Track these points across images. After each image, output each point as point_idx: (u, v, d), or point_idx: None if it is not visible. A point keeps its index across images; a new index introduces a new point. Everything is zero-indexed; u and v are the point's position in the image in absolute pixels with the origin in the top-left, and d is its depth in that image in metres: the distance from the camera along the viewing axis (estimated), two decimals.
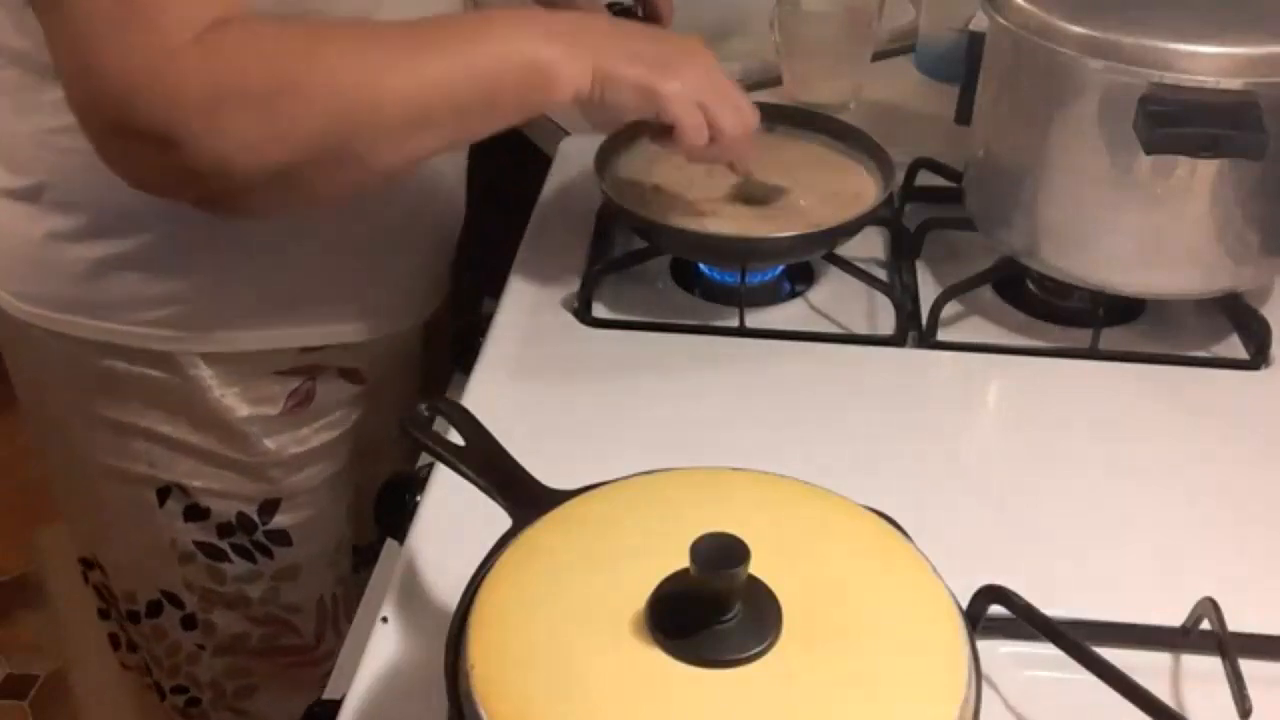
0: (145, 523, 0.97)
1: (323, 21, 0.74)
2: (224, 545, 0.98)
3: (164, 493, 0.95)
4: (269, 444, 0.95)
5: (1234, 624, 0.64)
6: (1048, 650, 0.62)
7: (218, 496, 0.96)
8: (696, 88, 0.80)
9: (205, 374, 0.90)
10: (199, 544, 0.97)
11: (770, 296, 0.96)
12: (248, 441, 0.94)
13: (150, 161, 0.68)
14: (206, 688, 1.07)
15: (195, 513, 0.96)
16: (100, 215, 0.84)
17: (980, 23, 1.01)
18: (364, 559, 1.11)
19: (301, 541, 1.01)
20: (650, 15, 1.07)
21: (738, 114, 0.83)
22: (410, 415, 0.65)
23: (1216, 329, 0.92)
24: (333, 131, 0.69)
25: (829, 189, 0.96)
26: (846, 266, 0.94)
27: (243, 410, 0.93)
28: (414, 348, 1.08)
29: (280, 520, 0.99)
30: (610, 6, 1.10)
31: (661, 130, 0.81)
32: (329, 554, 1.04)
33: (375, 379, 1.01)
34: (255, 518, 0.98)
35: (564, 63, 0.75)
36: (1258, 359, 0.89)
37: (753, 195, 0.95)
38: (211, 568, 0.99)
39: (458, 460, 0.62)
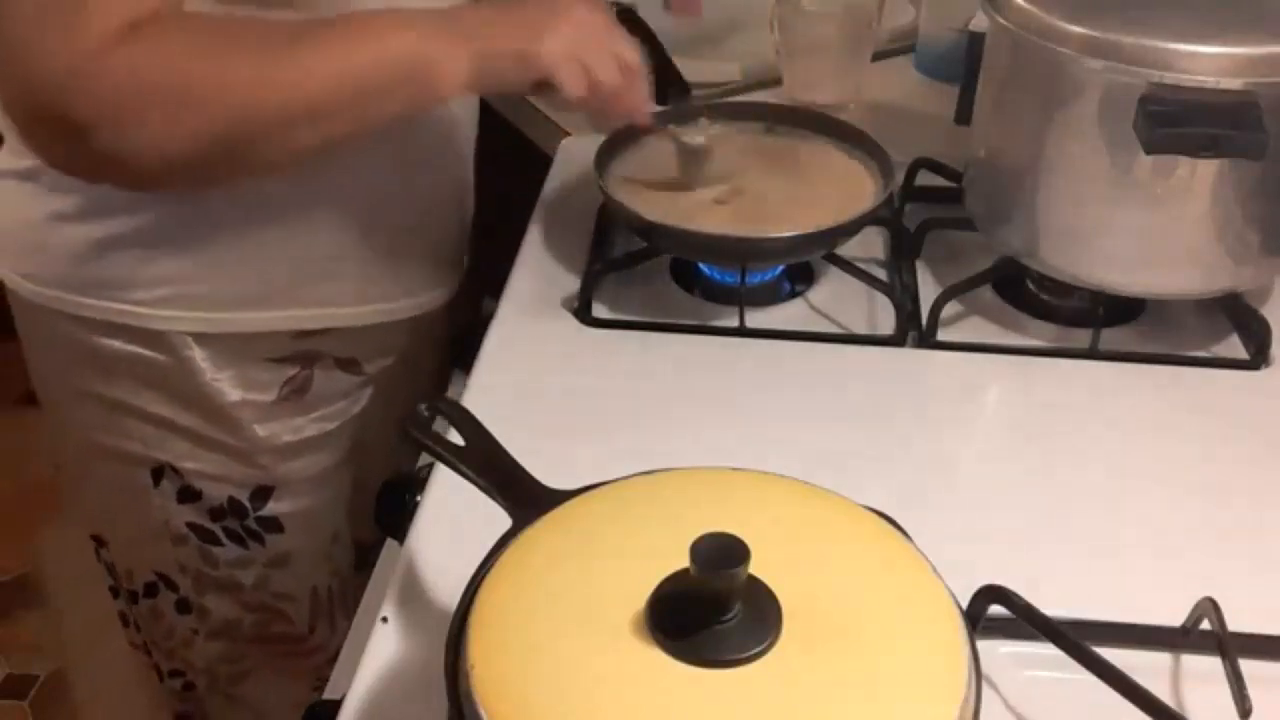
0: (140, 502, 0.98)
1: (233, 23, 0.78)
2: (216, 529, 0.99)
3: (158, 473, 0.96)
4: (260, 430, 0.95)
5: (1234, 624, 0.64)
6: (1048, 650, 0.62)
7: (209, 479, 0.97)
8: (572, 41, 0.82)
9: (198, 355, 0.91)
10: (191, 525, 0.98)
11: (770, 296, 0.96)
12: (239, 426, 0.94)
13: (70, 150, 0.76)
14: (201, 673, 1.07)
15: (188, 494, 0.97)
16: (98, 196, 0.85)
17: (980, 23, 1.01)
18: (366, 558, 1.11)
19: (294, 530, 1.01)
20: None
21: (618, 68, 0.84)
22: (410, 415, 0.65)
23: (1216, 329, 0.92)
24: (225, 129, 0.75)
25: (829, 189, 0.96)
26: (846, 266, 0.94)
27: (234, 394, 0.93)
28: (415, 343, 1.07)
29: (273, 508, 0.99)
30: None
31: (544, 85, 0.83)
32: (324, 546, 1.05)
33: (375, 372, 1.01)
34: (246, 503, 0.98)
35: (442, 57, 0.79)
36: (1258, 359, 0.89)
37: (688, 161, 0.96)
38: (204, 550, 0.99)
39: (458, 460, 0.62)
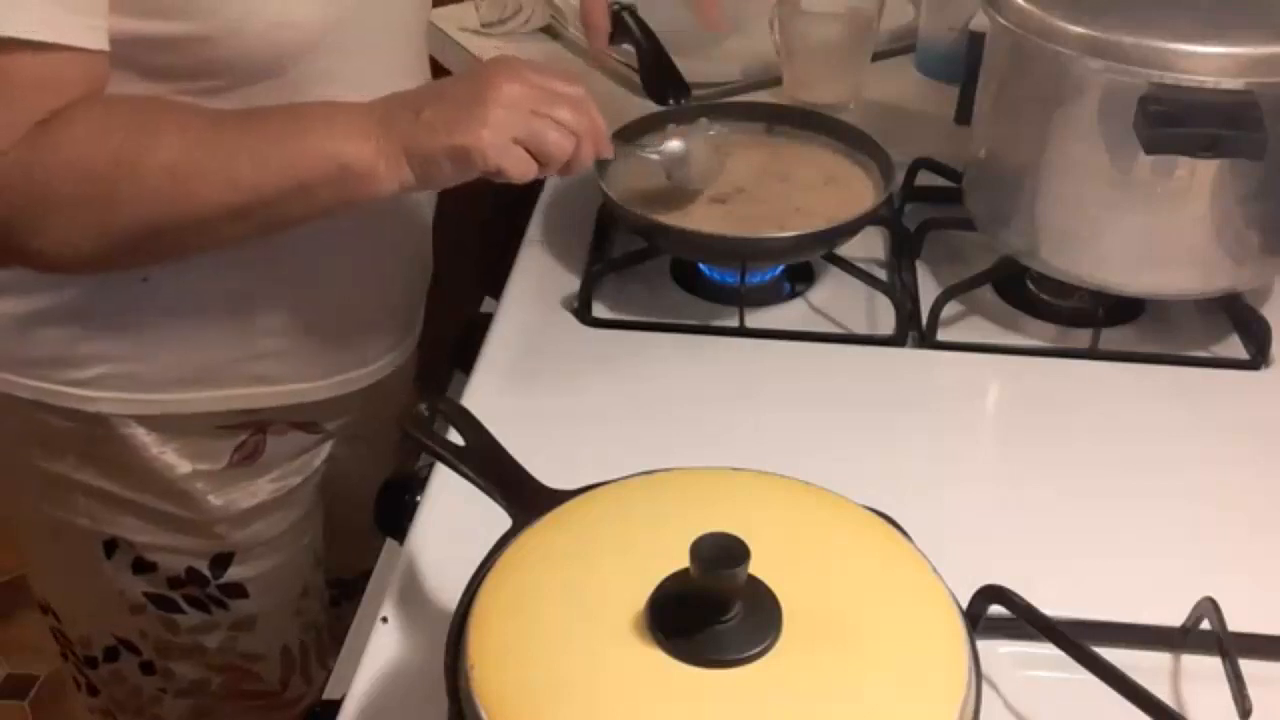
0: (93, 574, 0.94)
1: (149, 112, 0.73)
2: (175, 596, 0.95)
3: (110, 546, 0.92)
4: (215, 500, 0.92)
5: (1234, 624, 0.64)
6: (1048, 650, 0.62)
7: (164, 551, 0.93)
8: (506, 126, 0.74)
9: (139, 432, 0.88)
10: (149, 595, 0.94)
11: (770, 296, 0.96)
12: (190, 499, 0.91)
13: None
14: None
15: (142, 565, 0.93)
16: (23, 271, 0.81)
17: (980, 23, 1.01)
18: (350, 592, 1.08)
19: (259, 593, 0.97)
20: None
21: (563, 129, 0.76)
22: (410, 415, 0.65)
23: (1216, 329, 0.92)
24: (150, 227, 0.73)
25: (829, 189, 0.96)
26: (846, 266, 0.94)
27: (183, 467, 0.90)
28: (375, 400, 1.00)
29: (235, 573, 0.95)
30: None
31: (495, 174, 0.76)
32: (292, 602, 1.01)
33: (335, 428, 0.97)
34: (206, 572, 0.95)
35: (377, 160, 0.74)
36: (1258, 359, 0.89)
37: (669, 167, 0.94)
38: (164, 618, 0.96)
39: (458, 460, 0.62)
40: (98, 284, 0.82)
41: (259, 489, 0.94)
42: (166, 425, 0.88)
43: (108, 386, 0.86)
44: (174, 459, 0.89)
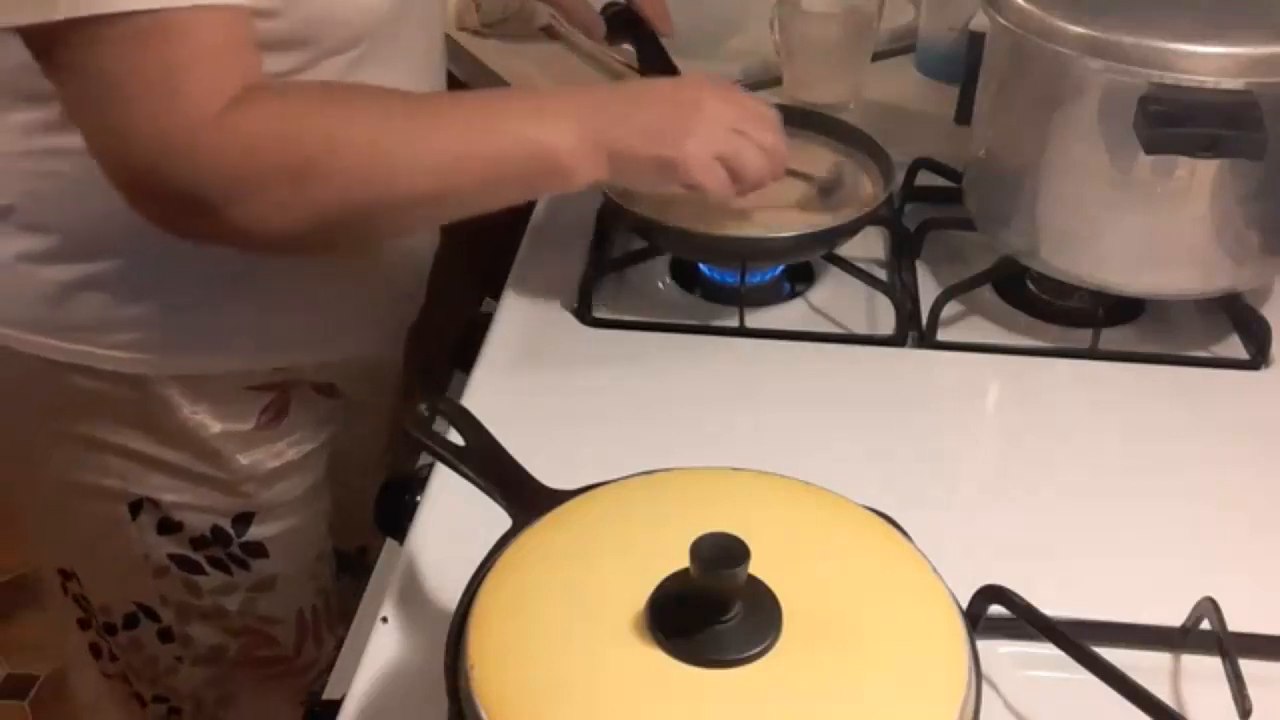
0: (118, 537, 0.96)
1: (343, 92, 0.75)
2: (198, 558, 0.97)
3: (136, 507, 0.94)
4: (242, 459, 0.94)
5: (1234, 624, 0.64)
6: (1048, 650, 0.63)
7: (191, 510, 0.95)
8: (711, 141, 0.78)
9: (174, 392, 0.90)
10: (173, 557, 0.97)
11: (770, 296, 0.96)
12: (220, 457, 0.93)
13: (181, 221, 0.73)
14: (187, 698, 1.06)
15: (168, 526, 0.95)
16: (69, 237, 0.83)
17: (980, 23, 1.01)
18: (346, 565, 1.10)
19: (278, 554, 1.00)
20: (644, 14, 1.07)
21: (760, 153, 0.80)
22: (410, 415, 0.65)
23: (1216, 329, 0.92)
24: (346, 208, 0.73)
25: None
26: (846, 266, 0.94)
27: (215, 427, 0.92)
28: (392, 363, 1.07)
29: (256, 533, 0.97)
30: (606, 6, 1.09)
31: (690, 188, 0.80)
32: (308, 565, 1.03)
33: (352, 393, 1.00)
34: (230, 530, 0.97)
35: (577, 154, 0.75)
36: (1258, 359, 0.89)
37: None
38: (187, 580, 0.98)
39: (458, 460, 0.62)
40: (137, 250, 0.84)
41: (282, 451, 0.96)
42: (199, 385, 0.90)
43: (145, 349, 0.88)
44: (206, 419, 0.91)
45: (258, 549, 0.98)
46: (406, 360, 1.09)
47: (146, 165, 0.69)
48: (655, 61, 1.07)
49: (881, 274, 0.97)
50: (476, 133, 0.75)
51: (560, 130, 0.75)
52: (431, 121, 0.75)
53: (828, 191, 0.95)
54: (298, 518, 1.00)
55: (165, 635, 1.01)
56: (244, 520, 0.97)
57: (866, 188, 0.97)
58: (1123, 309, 0.93)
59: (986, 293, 0.95)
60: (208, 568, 0.98)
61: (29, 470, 0.98)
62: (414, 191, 0.74)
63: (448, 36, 1.30)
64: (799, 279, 0.98)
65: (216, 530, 0.96)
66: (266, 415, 0.94)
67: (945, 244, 1.00)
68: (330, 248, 0.82)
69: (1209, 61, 0.78)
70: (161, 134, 0.68)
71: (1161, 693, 0.60)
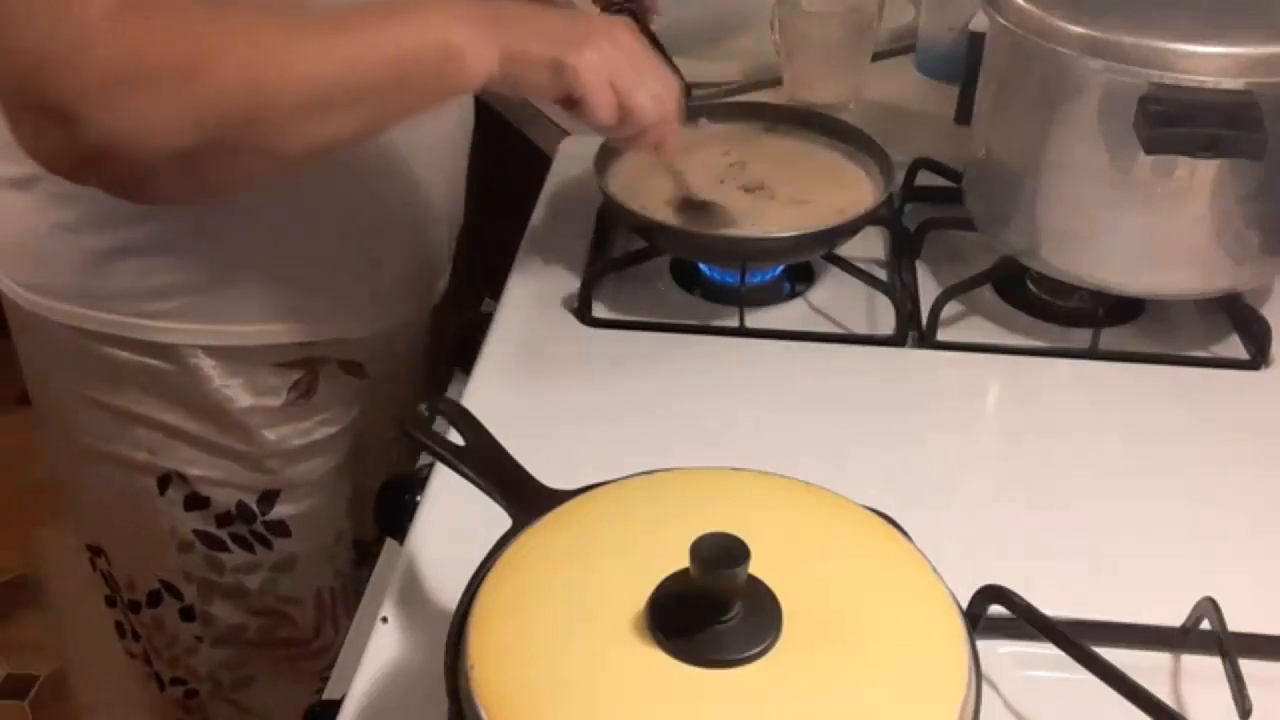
0: (145, 510, 0.97)
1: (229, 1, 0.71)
2: (223, 534, 0.98)
3: (164, 481, 0.96)
4: (269, 435, 0.95)
5: (1234, 624, 0.64)
6: (1048, 650, 0.62)
7: (217, 485, 0.96)
8: (610, 63, 0.77)
9: (206, 364, 0.91)
10: (198, 533, 0.98)
11: (770, 296, 0.96)
12: (248, 432, 0.94)
13: (54, 140, 0.68)
14: (204, 680, 1.07)
15: (195, 501, 0.96)
16: (100, 206, 0.83)
17: (980, 23, 1.01)
18: (364, 555, 1.11)
19: (300, 533, 1.01)
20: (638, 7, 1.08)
21: (653, 98, 0.80)
22: (410, 415, 0.65)
23: (1216, 329, 0.92)
24: (233, 115, 0.69)
25: (829, 189, 0.96)
26: (846, 266, 0.94)
27: (244, 401, 0.93)
28: (417, 345, 1.08)
29: (280, 511, 0.99)
30: (607, 7, 1.09)
31: (572, 102, 0.78)
32: (328, 547, 1.05)
33: (378, 375, 1.01)
34: (254, 507, 0.98)
35: (474, 45, 0.74)
36: (1258, 359, 0.89)
37: (693, 208, 0.94)
38: (210, 557, 0.99)
39: (458, 460, 0.62)
40: (170, 219, 0.84)
41: (309, 430, 0.97)
42: (231, 357, 0.91)
43: (179, 318, 0.89)
44: (236, 392, 0.92)
45: (280, 528, 1.00)
46: (431, 342, 1.09)
47: (24, 75, 0.65)
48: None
49: (881, 274, 0.97)
50: (368, 30, 0.72)
51: (455, 23, 0.74)
52: (319, 21, 0.72)
53: (694, 206, 0.95)
54: (320, 498, 1.01)
55: (187, 614, 1.02)
56: (268, 499, 0.98)
57: (864, 186, 0.97)
58: (1123, 309, 0.93)
59: (986, 293, 0.95)
60: (231, 545, 0.99)
61: (64, 441, 0.99)
62: (299, 95, 0.70)
63: None
64: (799, 279, 0.98)
65: (241, 506, 0.97)
66: (295, 392, 0.95)
67: (945, 244, 1.00)
68: (210, 183, 0.75)
69: (1209, 61, 0.78)
70: (41, 41, 0.64)
71: (1161, 693, 0.60)
